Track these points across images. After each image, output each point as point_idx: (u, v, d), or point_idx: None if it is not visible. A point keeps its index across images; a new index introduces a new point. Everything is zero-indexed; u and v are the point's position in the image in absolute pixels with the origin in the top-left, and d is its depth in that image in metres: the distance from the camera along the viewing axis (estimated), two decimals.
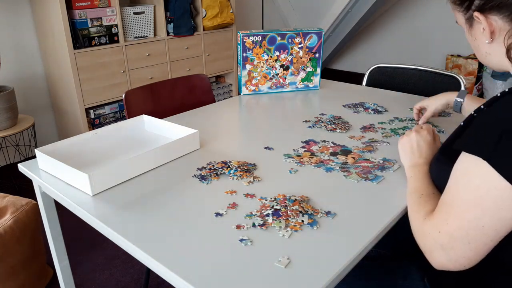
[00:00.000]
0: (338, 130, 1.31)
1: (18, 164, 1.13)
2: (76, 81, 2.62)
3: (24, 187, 2.50)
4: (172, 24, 3.06)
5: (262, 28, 4.44)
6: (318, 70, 1.77)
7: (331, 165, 1.08)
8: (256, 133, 1.32)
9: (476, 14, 0.76)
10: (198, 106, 1.65)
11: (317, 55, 1.73)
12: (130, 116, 1.56)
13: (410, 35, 4.36)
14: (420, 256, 0.95)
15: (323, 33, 1.70)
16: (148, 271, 1.59)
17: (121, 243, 0.81)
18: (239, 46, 1.65)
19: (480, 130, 0.70)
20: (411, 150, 0.97)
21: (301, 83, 1.77)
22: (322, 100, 1.66)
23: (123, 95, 1.59)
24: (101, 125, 2.90)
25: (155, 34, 3.09)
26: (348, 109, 1.53)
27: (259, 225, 0.82)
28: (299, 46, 1.69)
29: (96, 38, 2.67)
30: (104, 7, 2.68)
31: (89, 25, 2.63)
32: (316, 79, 1.78)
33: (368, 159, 1.11)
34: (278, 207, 0.87)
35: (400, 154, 1.01)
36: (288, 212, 0.85)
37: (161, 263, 0.72)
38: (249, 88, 1.73)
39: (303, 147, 1.20)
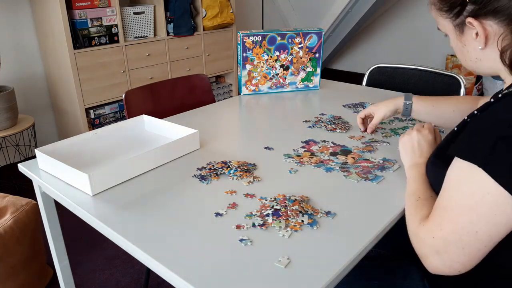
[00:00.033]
0: (338, 130, 1.31)
1: (18, 164, 1.13)
2: (76, 81, 2.62)
3: (24, 187, 2.50)
4: (172, 24, 3.06)
5: (262, 28, 4.44)
6: (318, 70, 1.77)
7: (331, 165, 1.08)
8: (256, 133, 1.32)
9: (469, 19, 0.74)
10: (198, 106, 1.65)
11: (317, 55, 1.73)
12: (130, 116, 1.56)
13: (410, 35, 4.36)
14: None
15: (323, 33, 1.70)
16: (148, 271, 1.59)
17: (121, 243, 0.81)
18: (239, 46, 1.65)
19: (474, 135, 0.70)
20: (412, 149, 0.96)
21: (301, 83, 1.77)
22: (322, 100, 1.66)
23: (123, 95, 1.59)
24: (101, 125, 2.90)
25: (155, 34, 3.09)
26: (348, 109, 1.53)
27: (259, 225, 0.82)
28: (299, 46, 1.69)
29: (96, 38, 2.67)
30: (104, 7, 2.68)
31: (89, 25, 2.63)
32: (316, 79, 1.78)
33: (368, 159, 1.11)
34: (278, 207, 0.87)
35: (400, 153, 1.00)
36: (288, 212, 0.85)
37: (161, 263, 0.72)
38: (249, 88, 1.73)
39: (303, 147, 1.20)
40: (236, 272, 0.69)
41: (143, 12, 2.93)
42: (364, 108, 1.52)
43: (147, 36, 3.00)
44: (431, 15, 0.85)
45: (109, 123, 2.96)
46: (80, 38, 2.60)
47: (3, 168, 2.80)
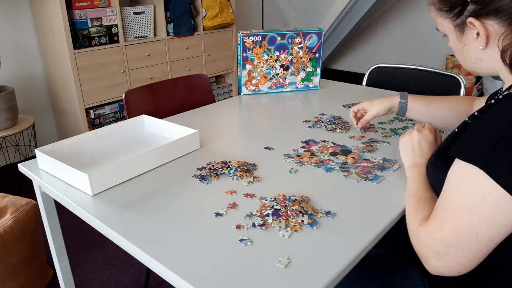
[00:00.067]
0: (338, 130, 1.31)
1: (18, 164, 1.13)
2: (76, 81, 2.62)
3: (24, 187, 2.50)
4: (172, 24, 3.06)
5: (262, 28, 4.44)
6: (318, 70, 1.77)
7: (331, 165, 1.08)
8: (256, 133, 1.32)
9: (471, 19, 0.74)
10: (198, 106, 1.65)
11: (317, 55, 1.73)
12: (130, 116, 1.56)
13: (410, 35, 4.36)
14: None
15: (323, 33, 1.70)
16: (148, 271, 1.59)
17: (121, 243, 0.81)
18: (239, 46, 1.65)
19: (475, 137, 0.69)
20: (412, 149, 0.96)
21: (301, 83, 1.77)
22: (322, 100, 1.66)
23: (123, 95, 1.59)
24: (101, 125, 2.90)
25: (155, 34, 3.09)
26: (348, 109, 1.53)
27: (259, 225, 0.82)
28: (299, 46, 1.69)
29: (96, 38, 2.67)
30: (104, 7, 2.68)
31: (89, 25, 2.63)
32: (316, 79, 1.78)
33: (368, 159, 1.11)
34: (278, 207, 0.87)
35: (400, 152, 1.00)
36: (288, 212, 0.85)
37: (161, 263, 0.72)
38: (249, 88, 1.73)
39: (303, 147, 1.20)
40: (236, 272, 0.69)
41: (143, 12, 2.93)
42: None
43: (147, 36, 3.00)
44: (430, 15, 0.85)
45: (109, 123, 2.96)
46: (80, 38, 2.60)
47: (3, 168, 2.80)
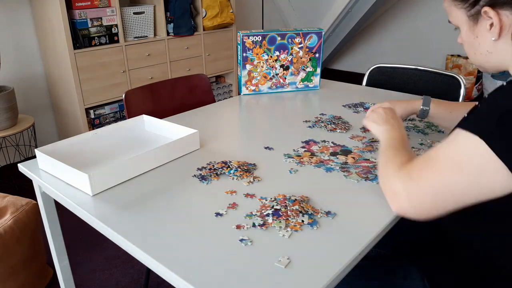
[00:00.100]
0: (338, 130, 1.31)
1: (18, 164, 1.13)
2: (76, 81, 2.62)
3: (24, 187, 2.50)
4: (172, 24, 3.06)
5: (262, 28, 4.44)
6: (318, 70, 1.77)
7: (331, 165, 1.08)
8: (256, 133, 1.32)
9: (486, 9, 0.73)
10: (198, 106, 1.65)
11: (317, 55, 1.73)
12: (130, 116, 1.56)
13: (410, 35, 4.36)
14: (420, 256, 0.95)
15: (323, 33, 1.70)
16: (148, 271, 1.59)
17: (121, 243, 0.81)
18: (239, 46, 1.65)
19: (478, 113, 0.71)
20: (381, 118, 1.01)
21: (301, 83, 1.77)
22: (322, 100, 1.66)
23: (123, 95, 1.59)
24: (101, 125, 2.90)
25: (155, 34, 3.09)
26: (348, 109, 1.53)
27: (259, 225, 0.82)
28: (299, 46, 1.69)
29: (96, 38, 2.67)
30: (104, 7, 2.68)
31: (89, 25, 2.63)
32: (316, 79, 1.79)
33: (368, 159, 1.11)
34: (278, 207, 0.87)
35: (370, 127, 1.03)
36: (288, 212, 0.85)
37: (161, 263, 0.72)
38: (249, 88, 1.73)
39: (303, 147, 1.20)
40: (236, 272, 0.69)
41: (143, 12, 2.93)
42: (371, 107, 1.52)
43: (147, 36, 3.00)
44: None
45: (109, 123, 2.96)
46: (80, 38, 2.60)
47: (3, 168, 2.80)
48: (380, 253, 1.13)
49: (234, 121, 1.46)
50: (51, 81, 2.85)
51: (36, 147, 2.69)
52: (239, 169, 1.05)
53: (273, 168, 1.07)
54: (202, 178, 1.02)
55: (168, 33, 3.08)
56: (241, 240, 0.78)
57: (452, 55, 3.99)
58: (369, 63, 2.07)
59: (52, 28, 2.59)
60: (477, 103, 0.79)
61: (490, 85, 3.77)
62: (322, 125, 1.37)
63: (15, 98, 2.39)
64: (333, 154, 1.15)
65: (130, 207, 0.90)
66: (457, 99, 1.68)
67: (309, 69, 1.75)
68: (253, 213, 0.86)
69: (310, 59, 1.73)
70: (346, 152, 1.16)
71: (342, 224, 0.82)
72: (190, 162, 1.11)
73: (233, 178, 1.01)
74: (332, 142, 1.22)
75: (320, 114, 1.48)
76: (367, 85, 1.95)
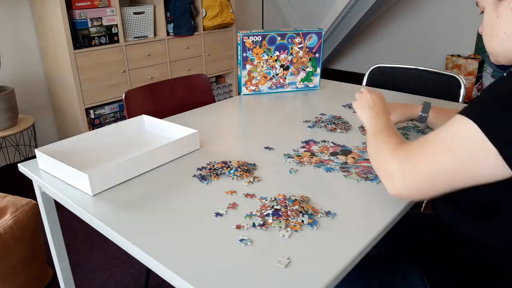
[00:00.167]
0: (338, 130, 1.31)
1: (18, 164, 1.13)
2: (76, 81, 2.62)
3: (24, 187, 2.50)
4: (172, 24, 3.06)
5: (262, 28, 4.44)
6: (318, 70, 1.77)
7: (331, 165, 1.08)
8: (256, 133, 1.32)
9: None
10: (198, 106, 1.65)
11: (317, 55, 1.73)
12: (130, 116, 1.56)
13: (410, 35, 4.36)
14: (420, 256, 0.95)
15: (323, 33, 1.70)
16: (148, 271, 1.59)
17: (121, 243, 0.81)
18: (239, 46, 1.65)
19: (477, 100, 0.71)
20: (369, 104, 1.03)
21: (301, 83, 1.77)
22: (322, 100, 1.66)
23: (123, 95, 1.59)
24: (101, 125, 2.90)
25: (155, 34, 3.09)
26: (348, 109, 1.53)
27: (259, 225, 0.82)
28: (299, 46, 1.69)
29: (96, 38, 2.67)
30: (104, 7, 2.68)
31: (89, 25, 2.63)
32: (316, 79, 1.79)
33: (368, 159, 1.11)
34: (278, 207, 0.87)
35: (358, 113, 1.05)
36: (288, 212, 0.85)
37: (161, 263, 0.72)
38: (249, 88, 1.73)
39: (303, 147, 1.20)
40: (236, 272, 0.69)
41: (143, 12, 2.93)
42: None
43: (147, 36, 3.00)
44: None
45: (109, 123, 2.96)
46: (80, 38, 2.60)
47: (3, 168, 2.80)
48: (380, 253, 1.13)
49: (234, 121, 1.46)
50: (51, 81, 2.85)
51: (36, 147, 2.69)
52: (239, 169, 1.05)
53: (273, 168, 1.07)
54: (202, 178, 1.02)
55: (168, 33, 3.08)
56: (241, 240, 0.78)
57: (452, 55, 3.99)
58: (369, 63, 2.07)
59: (52, 28, 2.59)
60: None
61: None
62: (322, 125, 1.37)
63: (15, 98, 2.39)
64: (333, 154, 1.15)
65: (130, 207, 0.90)
66: (457, 99, 1.68)
67: (309, 69, 1.75)
68: (253, 213, 0.86)
69: (310, 59, 1.73)
70: (346, 152, 1.16)
71: (342, 224, 0.82)
72: (190, 162, 1.11)
73: (233, 178, 1.01)
74: (332, 142, 1.22)
75: (320, 114, 1.48)
76: (367, 85, 1.95)
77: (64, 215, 1.33)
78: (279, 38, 1.66)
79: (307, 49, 1.71)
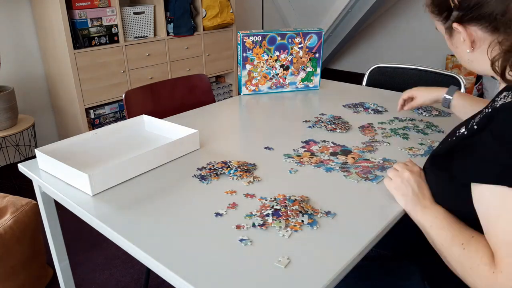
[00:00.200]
0: (338, 130, 1.31)
1: (18, 164, 1.13)
2: (76, 81, 2.62)
3: (24, 187, 2.50)
4: (172, 24, 3.06)
5: (262, 28, 4.44)
6: (318, 70, 1.77)
7: (331, 165, 1.08)
8: (256, 133, 1.32)
9: (455, 25, 0.77)
10: (198, 106, 1.65)
11: (317, 55, 1.73)
12: (130, 116, 1.56)
13: (410, 35, 4.36)
14: (420, 256, 0.95)
15: (323, 33, 1.70)
16: (148, 271, 1.59)
17: (121, 243, 0.81)
18: (239, 46, 1.65)
19: (490, 155, 0.68)
20: (413, 192, 0.85)
21: (301, 83, 1.77)
22: (322, 100, 1.66)
23: (123, 95, 1.59)
24: (101, 125, 2.90)
25: (155, 34, 3.09)
26: (348, 109, 1.53)
27: (259, 225, 0.82)
28: (299, 46, 1.69)
29: (96, 38, 2.67)
30: (104, 7, 2.68)
31: (89, 25, 2.63)
32: (316, 79, 1.79)
33: (368, 159, 1.11)
34: (278, 207, 0.87)
35: (397, 198, 0.89)
36: (288, 212, 0.85)
37: (161, 263, 0.72)
38: (249, 88, 1.73)
39: (303, 147, 1.20)
40: (236, 272, 0.69)
41: (143, 12, 2.93)
42: (371, 107, 1.53)
43: (147, 36, 3.00)
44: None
45: (109, 123, 2.96)
46: (80, 38, 2.60)
47: (3, 168, 2.80)
48: (380, 253, 1.13)
49: (234, 121, 1.46)
50: (51, 81, 2.85)
51: (36, 147, 2.69)
52: (239, 169, 1.05)
53: (273, 168, 1.07)
54: (202, 178, 1.02)
55: (168, 33, 3.08)
56: (241, 240, 0.78)
57: (452, 55, 3.99)
58: (369, 63, 2.07)
59: (52, 28, 2.59)
60: (486, 106, 0.78)
61: (490, 85, 3.77)
62: (322, 125, 1.37)
63: (15, 98, 2.39)
64: (333, 154, 1.15)
65: (130, 207, 0.90)
66: None
67: (309, 69, 1.75)
68: (253, 213, 0.86)
69: (310, 59, 1.73)
70: (346, 152, 1.16)
71: (342, 224, 0.82)
72: (190, 162, 1.11)
73: (233, 178, 1.01)
74: (332, 142, 1.22)
75: (320, 114, 1.48)
76: (367, 85, 1.95)
77: (64, 215, 1.33)
78: (279, 38, 1.66)
79: (307, 49, 1.71)
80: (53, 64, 2.74)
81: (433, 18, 0.84)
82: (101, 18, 2.66)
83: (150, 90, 1.69)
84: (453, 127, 0.87)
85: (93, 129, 2.66)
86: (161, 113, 1.60)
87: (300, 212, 0.85)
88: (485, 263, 0.68)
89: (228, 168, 1.06)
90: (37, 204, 1.61)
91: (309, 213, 0.85)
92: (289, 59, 1.71)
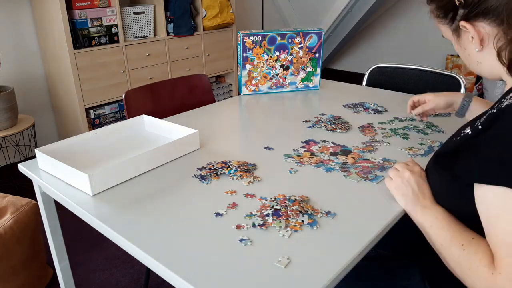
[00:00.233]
0: (338, 130, 1.31)
1: (18, 164, 1.13)
2: (76, 81, 2.62)
3: (24, 187, 2.50)
4: (172, 24, 3.06)
5: (262, 28, 4.44)
6: (318, 70, 1.77)
7: (331, 165, 1.08)
8: (256, 133, 1.32)
9: (462, 23, 0.76)
10: (198, 106, 1.65)
11: (317, 55, 1.73)
12: (130, 116, 1.56)
13: (410, 35, 4.36)
14: (420, 256, 0.95)
15: (323, 33, 1.70)
16: (148, 271, 1.59)
17: (121, 243, 0.81)
18: (239, 46, 1.65)
19: (494, 155, 0.67)
20: (413, 192, 0.85)
21: (301, 83, 1.77)
22: (322, 100, 1.66)
23: (123, 95, 1.59)
24: (101, 125, 2.90)
25: (155, 34, 3.09)
26: (348, 109, 1.53)
27: (259, 225, 0.82)
28: (299, 46, 1.69)
29: (96, 38, 2.67)
30: (104, 7, 2.68)
31: (89, 25, 2.63)
32: (316, 79, 1.79)
33: (368, 159, 1.11)
34: (278, 207, 0.87)
35: (397, 198, 0.89)
36: (288, 212, 0.85)
37: (161, 263, 0.72)
38: (249, 88, 1.73)
39: (303, 147, 1.20)
40: (236, 272, 0.69)
41: (143, 12, 2.93)
42: (371, 107, 1.52)
43: (147, 36, 3.00)
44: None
45: (109, 123, 2.96)
46: (80, 38, 2.60)
47: (3, 168, 2.80)
48: (380, 253, 1.13)
49: (234, 121, 1.46)
50: (51, 81, 2.85)
51: (36, 147, 2.69)
52: (239, 169, 1.05)
53: (273, 168, 1.07)
54: (202, 178, 1.02)
55: (168, 33, 3.08)
56: (241, 240, 0.78)
57: (452, 55, 3.99)
58: (369, 63, 2.07)
59: (52, 28, 2.59)
60: (492, 106, 0.77)
61: (490, 85, 3.77)
62: (322, 125, 1.37)
63: (15, 98, 2.39)
64: (333, 154, 1.15)
65: (130, 207, 0.90)
66: None
67: (309, 69, 1.75)
68: (253, 213, 0.86)
69: (310, 59, 1.73)
70: (346, 152, 1.16)
71: (342, 224, 0.82)
72: (190, 162, 1.11)
73: (233, 178, 1.01)
74: (332, 142, 1.22)
75: (320, 114, 1.48)
76: (367, 85, 1.95)
77: (64, 215, 1.33)
78: (279, 38, 1.66)
79: (307, 49, 1.71)
80: (53, 64, 2.74)
81: (439, 23, 0.84)
82: (101, 18, 2.66)
83: (150, 90, 1.69)
84: (453, 127, 0.87)
85: (93, 129, 2.66)
86: (161, 113, 1.60)
87: (300, 212, 0.85)
88: (484, 265, 0.68)
89: (228, 168, 1.06)
90: (37, 204, 1.61)
91: (309, 213, 0.85)
92: (289, 59, 1.71)
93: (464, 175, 0.73)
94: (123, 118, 3.02)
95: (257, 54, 1.66)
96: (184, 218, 0.85)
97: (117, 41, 2.78)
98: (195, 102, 1.76)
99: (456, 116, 1.18)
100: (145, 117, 1.33)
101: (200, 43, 3.31)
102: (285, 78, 1.74)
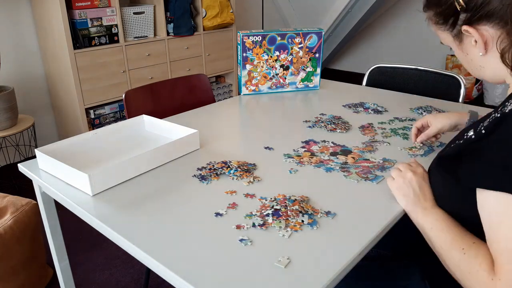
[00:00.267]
0: (338, 130, 1.32)
1: (18, 164, 1.13)
2: (76, 81, 2.62)
3: (24, 187, 2.50)
4: (172, 24, 3.06)
5: (262, 28, 4.44)
6: (318, 70, 1.77)
7: (331, 165, 1.08)
8: (256, 133, 1.32)
9: (465, 28, 0.75)
10: (198, 106, 1.65)
11: (317, 55, 1.73)
12: (130, 116, 1.56)
13: (410, 35, 4.36)
14: (420, 256, 0.95)
15: (323, 33, 1.70)
16: (148, 271, 1.59)
17: (121, 243, 0.81)
18: (239, 46, 1.65)
19: (498, 160, 0.67)
20: (414, 193, 0.85)
21: (301, 83, 1.77)
22: (322, 100, 1.66)
23: (123, 95, 1.59)
24: (101, 125, 2.90)
25: (155, 34, 3.09)
26: (348, 109, 1.53)
27: (259, 225, 0.82)
28: (299, 46, 1.69)
29: (96, 38, 2.67)
30: (104, 7, 2.68)
31: (89, 25, 2.63)
32: (316, 79, 1.79)
33: (368, 159, 1.11)
34: (278, 207, 0.87)
35: (398, 198, 0.89)
36: (288, 212, 0.85)
37: (161, 263, 0.72)
38: (249, 88, 1.73)
39: (303, 147, 1.20)
40: (236, 272, 0.69)
41: (143, 12, 2.93)
42: (371, 107, 1.52)
43: (147, 36, 3.00)
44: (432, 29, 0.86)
45: (109, 123, 2.96)
46: (80, 38, 2.60)
47: (3, 168, 2.80)
48: (380, 253, 1.13)
49: (234, 121, 1.46)
50: (51, 81, 2.85)
51: (36, 147, 2.69)
52: (239, 169, 1.05)
53: (273, 168, 1.07)
54: (202, 178, 1.02)
55: (168, 33, 3.08)
56: (241, 240, 0.78)
57: (452, 55, 3.99)
58: (369, 63, 2.07)
59: (52, 28, 2.59)
60: (496, 110, 0.77)
61: (490, 85, 3.77)
62: (322, 125, 1.37)
63: (15, 98, 2.39)
64: (333, 154, 1.15)
65: (130, 207, 0.90)
66: (457, 99, 1.68)
67: (309, 69, 1.75)
68: (253, 213, 0.86)
69: (310, 59, 1.73)
70: (346, 152, 1.16)
71: (342, 224, 0.82)
72: (190, 162, 1.11)
73: (233, 178, 1.01)
74: (332, 142, 1.22)
75: (320, 114, 1.48)
76: (367, 85, 1.95)
77: (64, 215, 1.33)
78: (279, 38, 1.66)
79: (307, 49, 1.71)
80: (53, 64, 2.74)
81: (438, 30, 0.83)
82: (101, 18, 2.66)
83: (150, 90, 1.69)
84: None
85: (93, 129, 2.66)
86: (161, 113, 1.60)
87: (300, 212, 0.85)
88: (484, 269, 0.68)
89: (228, 168, 1.06)
90: (37, 204, 1.61)
91: (309, 213, 0.85)
92: (289, 59, 1.71)
93: (467, 179, 0.73)
94: (123, 118, 3.02)
95: (257, 54, 1.66)
96: (184, 218, 0.85)
97: (117, 41, 2.78)
98: (195, 102, 1.76)
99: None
100: (145, 117, 1.33)
101: (200, 43, 3.31)
102: (285, 78, 1.74)
